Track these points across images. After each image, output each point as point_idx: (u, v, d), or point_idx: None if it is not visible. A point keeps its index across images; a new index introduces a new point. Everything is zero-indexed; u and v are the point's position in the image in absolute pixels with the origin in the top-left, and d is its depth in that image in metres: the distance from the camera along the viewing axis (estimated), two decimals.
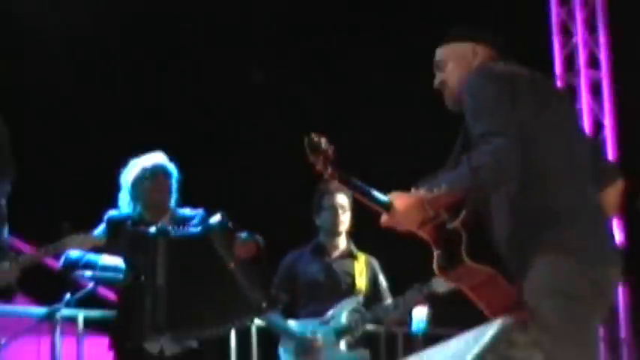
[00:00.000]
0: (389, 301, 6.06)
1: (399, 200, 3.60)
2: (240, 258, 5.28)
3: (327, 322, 6.04)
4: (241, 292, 5.24)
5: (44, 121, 9.01)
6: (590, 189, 3.71)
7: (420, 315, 5.93)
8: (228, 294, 5.23)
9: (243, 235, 5.28)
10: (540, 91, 3.74)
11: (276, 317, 6.14)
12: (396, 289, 6.13)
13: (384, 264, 6.23)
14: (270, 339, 6.43)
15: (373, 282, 6.11)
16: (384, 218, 3.64)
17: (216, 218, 5.30)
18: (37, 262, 4.73)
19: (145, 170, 5.51)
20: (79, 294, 5.08)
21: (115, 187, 5.58)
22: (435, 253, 3.63)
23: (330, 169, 3.64)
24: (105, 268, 5.20)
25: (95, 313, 6.30)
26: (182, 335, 5.26)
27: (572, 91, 9.80)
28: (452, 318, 5.74)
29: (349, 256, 6.14)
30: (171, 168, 5.57)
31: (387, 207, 3.61)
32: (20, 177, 4.78)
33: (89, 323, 6.66)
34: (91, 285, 5.21)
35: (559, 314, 3.43)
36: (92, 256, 5.22)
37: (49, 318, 4.81)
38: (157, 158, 5.58)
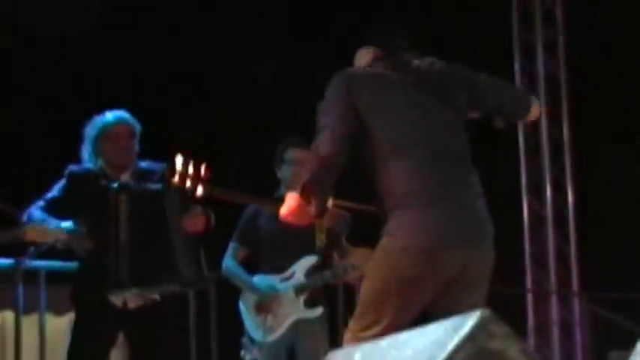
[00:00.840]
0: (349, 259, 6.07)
1: (288, 198, 4.15)
2: (186, 230, 5.33)
3: (287, 279, 6.14)
4: (176, 263, 5.32)
5: None
6: (430, 168, 4.10)
7: None
8: (169, 259, 5.32)
9: (197, 208, 5.27)
10: (380, 84, 4.21)
11: (238, 270, 6.24)
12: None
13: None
14: (230, 293, 6.50)
15: (334, 239, 6.12)
16: (280, 214, 4.17)
17: None
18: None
19: (107, 126, 5.53)
20: (42, 247, 5.13)
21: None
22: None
23: (196, 186, 4.22)
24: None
25: (57, 264, 6.39)
26: (145, 290, 5.34)
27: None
28: None
29: None
30: (134, 124, 5.58)
31: (278, 205, 4.18)
32: None
33: (51, 276, 6.76)
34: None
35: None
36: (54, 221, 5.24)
37: (13, 271, 4.86)
38: (120, 114, 5.58)
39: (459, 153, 4.20)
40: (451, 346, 2.42)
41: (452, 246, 4.03)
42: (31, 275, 6.33)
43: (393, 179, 4.07)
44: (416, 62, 4.31)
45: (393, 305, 4.01)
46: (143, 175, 5.52)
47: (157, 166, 5.54)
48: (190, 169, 4.21)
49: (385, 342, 2.67)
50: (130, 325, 5.41)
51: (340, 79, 4.19)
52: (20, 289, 4.86)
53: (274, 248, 6.13)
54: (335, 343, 5.56)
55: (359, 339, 3.92)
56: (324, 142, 4.03)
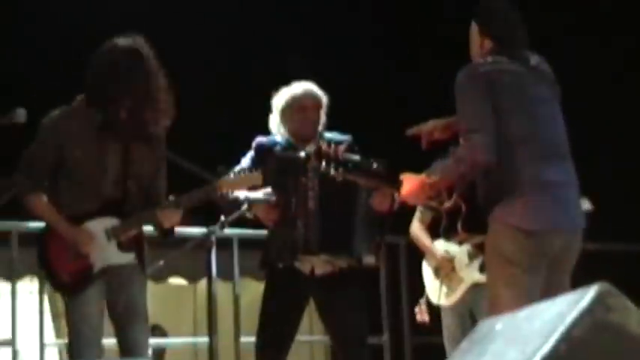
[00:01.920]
0: None
1: (406, 181, 4.54)
2: (373, 208, 5.40)
3: (461, 244, 6.29)
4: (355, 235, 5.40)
5: None
6: (548, 164, 4.44)
7: None
8: (352, 231, 5.40)
9: (389, 191, 5.24)
10: (517, 86, 4.46)
11: (422, 233, 6.40)
12: None
13: None
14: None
15: None
16: (397, 195, 4.64)
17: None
18: (195, 202, 4.96)
19: (294, 97, 5.65)
20: (233, 215, 5.32)
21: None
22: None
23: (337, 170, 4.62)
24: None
25: (248, 232, 6.62)
26: (332, 257, 5.45)
27: None
28: None
29: None
30: (321, 96, 5.68)
31: (398, 187, 4.57)
32: None
33: (243, 243, 7.01)
34: (244, 207, 5.42)
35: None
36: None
37: (206, 239, 5.06)
38: (308, 86, 5.70)
39: (567, 149, 4.57)
40: (570, 319, 2.47)
41: (560, 228, 4.44)
42: (225, 243, 6.60)
43: (520, 166, 4.38)
44: (533, 59, 4.59)
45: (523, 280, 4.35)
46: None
47: (343, 137, 5.63)
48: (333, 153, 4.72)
49: (522, 313, 2.75)
50: (318, 291, 5.53)
51: (474, 78, 4.44)
52: (213, 256, 5.03)
53: None
54: None
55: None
56: (480, 148, 4.33)
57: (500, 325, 2.81)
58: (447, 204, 4.65)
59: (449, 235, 5.32)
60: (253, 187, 5.19)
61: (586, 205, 5.80)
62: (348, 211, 5.40)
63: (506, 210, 4.38)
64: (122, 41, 4.92)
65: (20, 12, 8.60)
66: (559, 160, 4.50)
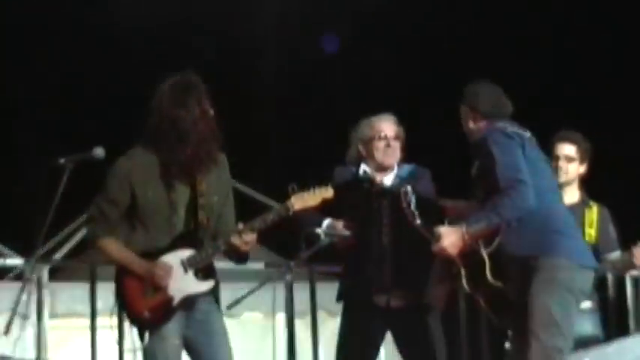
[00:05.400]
0: None
1: (446, 234, 4.93)
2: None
3: None
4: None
5: None
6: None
7: None
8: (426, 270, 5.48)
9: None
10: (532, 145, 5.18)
11: None
12: None
13: None
14: None
15: None
16: (435, 246, 4.96)
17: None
18: (269, 224, 4.97)
19: (376, 131, 5.70)
20: (312, 249, 5.31)
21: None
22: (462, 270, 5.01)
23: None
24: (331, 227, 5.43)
25: (325, 267, 6.62)
26: (407, 294, 5.48)
27: None
28: None
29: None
30: (400, 130, 5.73)
31: (438, 238, 4.93)
32: None
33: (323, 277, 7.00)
34: (323, 240, 5.43)
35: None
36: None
37: (284, 273, 5.07)
38: (388, 120, 5.75)
39: None
40: None
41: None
42: (304, 276, 6.59)
43: (554, 211, 5.07)
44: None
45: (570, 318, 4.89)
46: (405, 180, 5.61)
47: (420, 170, 5.70)
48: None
49: (610, 348, 2.72)
50: (395, 323, 5.54)
51: (509, 135, 5.05)
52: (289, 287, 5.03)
53: None
54: None
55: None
56: (527, 196, 4.90)
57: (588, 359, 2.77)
58: (486, 251, 4.95)
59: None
60: (326, 203, 5.13)
61: None
62: (424, 250, 5.39)
63: (559, 247, 4.94)
64: (177, 78, 5.00)
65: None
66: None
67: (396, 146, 5.69)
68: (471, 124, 5.27)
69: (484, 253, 4.91)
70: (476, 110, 5.25)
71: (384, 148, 5.66)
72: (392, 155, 5.67)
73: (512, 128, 5.12)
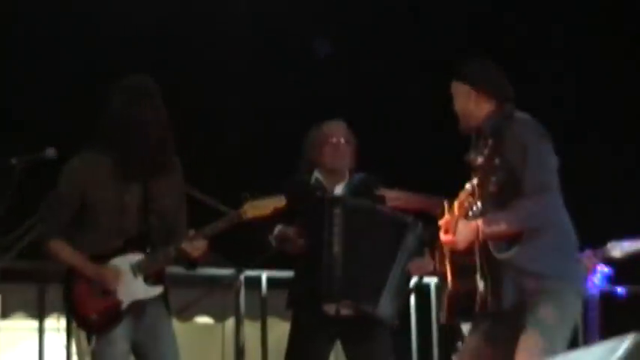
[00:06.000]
0: None
1: (462, 228, 4.42)
2: (409, 270, 5.48)
3: None
4: (385, 295, 5.39)
5: None
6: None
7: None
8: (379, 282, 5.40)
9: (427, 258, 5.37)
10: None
11: None
12: None
13: None
14: None
15: None
16: (447, 238, 4.46)
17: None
18: (221, 230, 4.97)
19: (325, 135, 5.68)
20: (264, 255, 5.31)
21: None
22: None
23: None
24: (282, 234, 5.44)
25: (277, 273, 6.60)
26: (356, 303, 5.45)
27: None
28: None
29: None
30: (350, 135, 5.71)
31: (454, 230, 4.42)
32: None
33: (271, 283, 6.99)
34: (274, 247, 5.45)
35: None
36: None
37: (235, 278, 5.07)
38: (338, 125, 5.74)
39: None
40: None
41: None
42: (253, 282, 6.59)
43: (570, 228, 4.55)
44: None
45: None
46: (358, 188, 5.64)
47: (372, 179, 5.68)
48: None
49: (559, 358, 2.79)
50: (344, 332, 5.52)
51: (545, 135, 4.54)
52: (242, 295, 5.03)
53: None
54: None
55: None
56: (552, 207, 4.47)
57: None
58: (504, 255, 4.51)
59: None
60: (277, 212, 5.13)
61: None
62: (382, 263, 5.40)
63: (570, 272, 4.53)
64: (130, 80, 4.99)
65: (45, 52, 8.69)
66: None
67: (346, 150, 5.66)
68: (472, 105, 4.68)
69: (497, 257, 4.44)
70: (481, 89, 4.66)
71: (333, 151, 5.64)
72: (341, 158, 5.65)
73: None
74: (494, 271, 4.46)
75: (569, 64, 9.23)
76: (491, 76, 4.71)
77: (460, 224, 4.42)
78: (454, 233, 4.43)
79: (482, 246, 4.45)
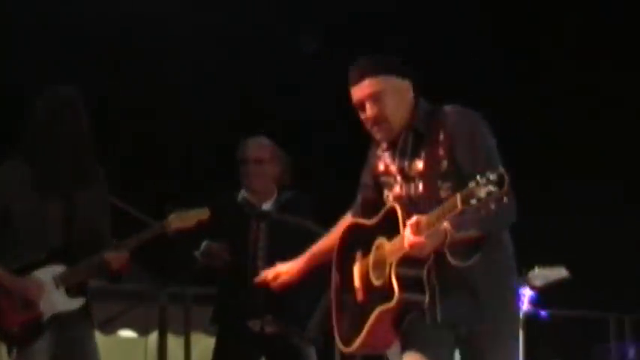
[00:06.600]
0: None
1: (431, 233, 3.75)
2: None
3: None
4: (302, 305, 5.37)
5: None
6: None
7: None
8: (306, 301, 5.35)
9: None
10: None
11: None
12: None
13: None
14: None
15: None
16: (412, 239, 3.76)
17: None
18: (144, 242, 4.94)
19: (241, 155, 5.62)
20: (188, 269, 5.28)
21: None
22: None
23: None
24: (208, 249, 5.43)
25: (201, 289, 6.56)
26: (280, 319, 5.46)
27: None
28: None
29: None
30: (269, 153, 5.62)
31: (421, 232, 3.75)
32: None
33: (196, 298, 6.94)
34: (199, 262, 5.42)
35: None
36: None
37: (159, 292, 5.02)
38: (253, 144, 5.65)
39: None
40: None
41: None
42: (177, 297, 6.54)
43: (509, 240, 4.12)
44: None
45: None
46: (285, 205, 5.61)
47: (301, 197, 5.67)
48: None
49: None
50: (268, 349, 5.52)
51: (472, 112, 4.01)
52: (166, 310, 4.98)
53: None
54: None
55: None
56: (513, 207, 3.84)
57: None
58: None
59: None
60: (202, 225, 5.08)
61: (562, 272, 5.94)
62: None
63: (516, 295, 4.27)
64: (53, 91, 4.96)
65: None
66: None
67: (259, 170, 5.56)
68: (407, 104, 4.01)
69: (453, 263, 3.87)
70: (416, 84, 4.03)
71: (245, 173, 5.57)
72: (254, 180, 5.56)
73: None
74: (443, 281, 3.91)
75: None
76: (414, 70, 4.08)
77: (431, 230, 3.74)
78: (426, 236, 3.76)
79: (437, 253, 3.86)
